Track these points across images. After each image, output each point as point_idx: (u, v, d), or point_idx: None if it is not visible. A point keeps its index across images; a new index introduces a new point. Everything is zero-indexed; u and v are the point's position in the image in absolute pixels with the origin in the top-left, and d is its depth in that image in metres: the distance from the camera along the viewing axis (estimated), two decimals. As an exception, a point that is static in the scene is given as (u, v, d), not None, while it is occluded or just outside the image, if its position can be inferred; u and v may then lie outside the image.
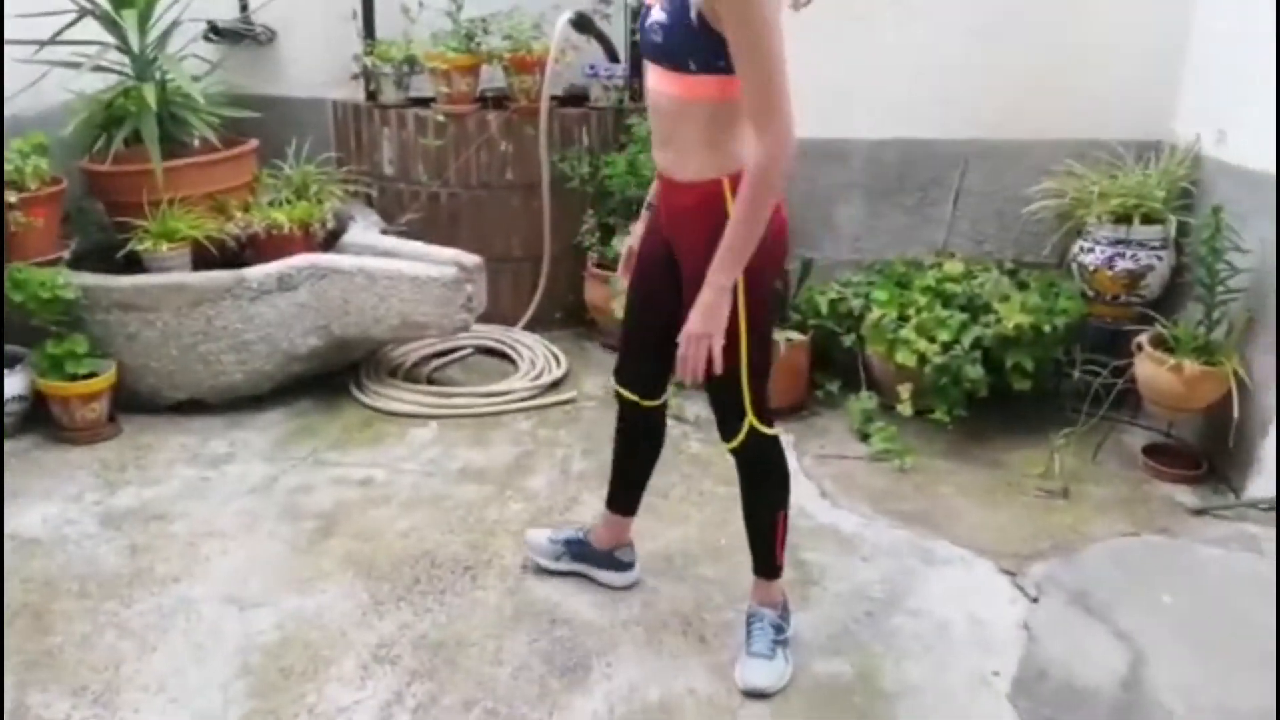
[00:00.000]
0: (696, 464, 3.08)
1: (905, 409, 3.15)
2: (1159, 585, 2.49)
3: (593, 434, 3.25)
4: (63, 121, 3.37)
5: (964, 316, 3.15)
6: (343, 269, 3.29)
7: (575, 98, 4.04)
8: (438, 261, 3.35)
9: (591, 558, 2.49)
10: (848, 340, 3.37)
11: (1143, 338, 3.00)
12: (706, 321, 1.86)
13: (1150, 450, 3.07)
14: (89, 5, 3.27)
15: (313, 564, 2.53)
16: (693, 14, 1.75)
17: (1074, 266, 3.29)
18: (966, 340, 3.10)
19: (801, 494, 2.90)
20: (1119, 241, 3.15)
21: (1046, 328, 3.09)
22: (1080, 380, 3.22)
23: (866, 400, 3.28)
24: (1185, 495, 2.91)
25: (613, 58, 4.03)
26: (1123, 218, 3.12)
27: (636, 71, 4.00)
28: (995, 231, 3.52)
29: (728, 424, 2.11)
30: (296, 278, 3.27)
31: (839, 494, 2.93)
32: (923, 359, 3.09)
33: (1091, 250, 3.21)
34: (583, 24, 3.73)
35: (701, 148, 1.87)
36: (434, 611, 2.35)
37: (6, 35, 3.14)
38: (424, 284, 3.26)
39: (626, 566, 2.48)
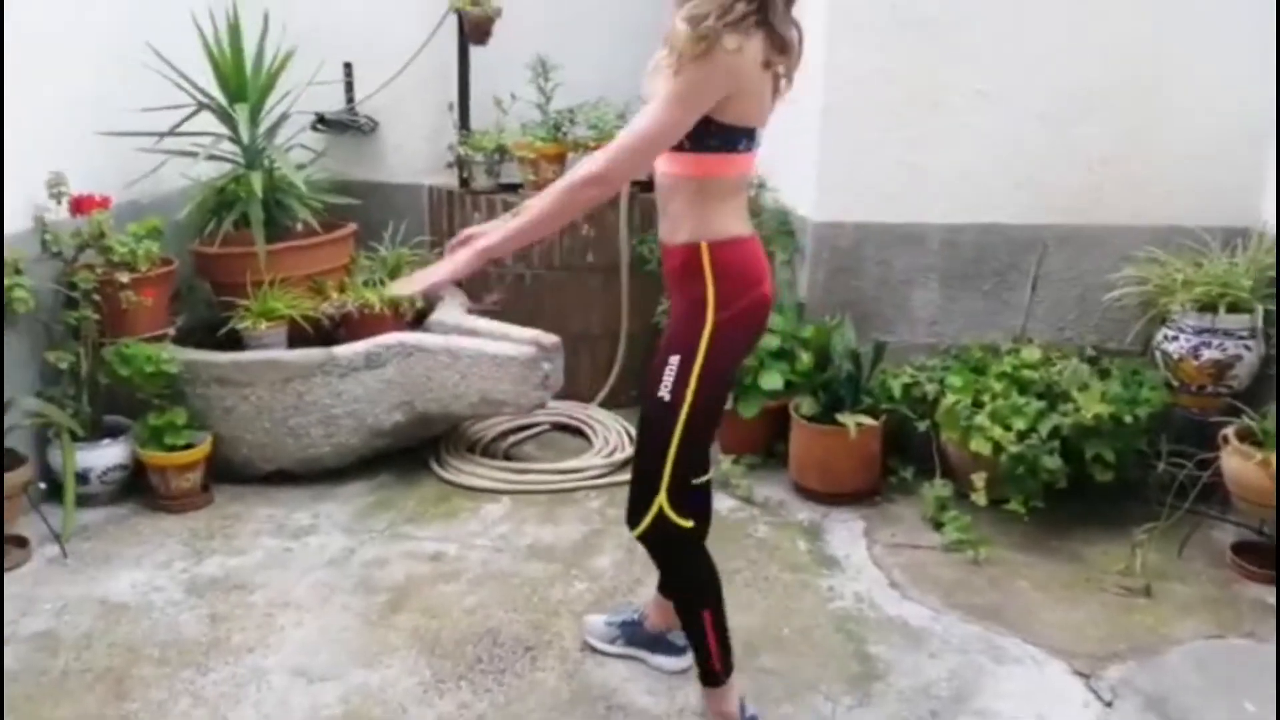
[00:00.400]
0: (763, 548, 3.07)
1: (980, 498, 3.09)
2: (1243, 692, 2.36)
3: (662, 515, 3.27)
4: (179, 205, 3.63)
5: (1041, 404, 3.09)
6: (428, 347, 3.42)
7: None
8: (517, 341, 3.45)
9: (645, 641, 2.50)
10: (921, 426, 3.33)
11: (1229, 430, 2.89)
12: (448, 266, 1.95)
13: (1240, 548, 2.94)
14: (206, 100, 3.53)
15: (380, 638, 2.60)
16: None
17: (1158, 355, 3.20)
18: (1044, 429, 3.03)
19: (870, 584, 2.87)
20: (1204, 330, 3.06)
21: (1127, 418, 3.01)
22: (1165, 472, 3.11)
23: (940, 488, 3.23)
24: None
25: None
26: (1208, 306, 3.04)
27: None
28: (1076, 317, 3.45)
29: (638, 503, 2.06)
30: (384, 355, 3.41)
31: (909, 585, 2.88)
32: (998, 447, 3.03)
33: (1176, 339, 3.12)
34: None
35: (689, 217, 1.98)
36: (493, 692, 2.39)
37: (132, 127, 3.40)
38: (503, 362, 3.36)
39: (680, 651, 2.47)
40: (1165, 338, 3.17)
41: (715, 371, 1.99)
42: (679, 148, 1.91)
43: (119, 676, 2.44)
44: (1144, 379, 3.18)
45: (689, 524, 2.06)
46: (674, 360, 1.98)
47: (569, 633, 2.62)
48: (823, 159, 3.35)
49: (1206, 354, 3.06)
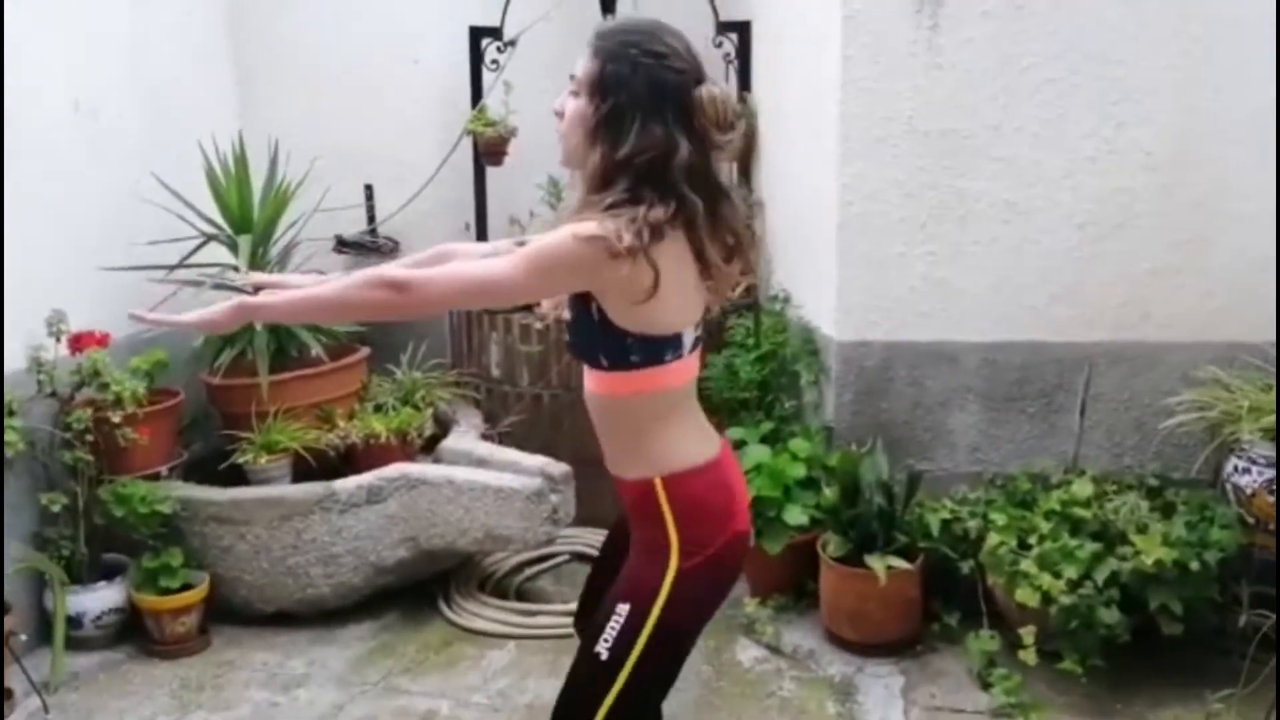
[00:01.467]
0: (787, 711, 2.78)
1: (1029, 657, 2.75)
2: None
3: (676, 665, 3.00)
4: (195, 335, 3.59)
5: (1096, 547, 2.76)
6: (430, 479, 3.25)
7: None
8: (525, 471, 3.27)
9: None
10: (965, 567, 3.02)
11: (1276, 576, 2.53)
12: (202, 312, 1.64)
13: (1338, 721, 2.54)
14: (214, 231, 3.51)
15: (351, 819, 2.38)
16: (594, 310, 1.61)
17: (1228, 488, 2.85)
18: (1100, 576, 2.70)
19: (904, 754, 2.55)
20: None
21: (1194, 564, 2.66)
22: (1248, 624, 2.74)
23: (988, 640, 2.89)
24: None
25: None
26: (1281, 435, 2.71)
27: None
28: (1135, 444, 3.13)
29: None
30: (386, 489, 3.26)
31: (947, 758, 2.55)
32: (1047, 597, 2.71)
33: (1248, 471, 2.78)
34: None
35: (629, 444, 1.70)
36: None
37: (141, 260, 3.37)
38: (508, 496, 3.17)
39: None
40: (1236, 469, 2.83)
41: (672, 631, 1.64)
42: (596, 365, 1.67)
43: None
44: (1215, 515, 2.83)
45: None
46: (622, 610, 1.63)
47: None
48: (842, 275, 3.14)
49: (1284, 489, 2.72)
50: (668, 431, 1.68)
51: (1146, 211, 3.01)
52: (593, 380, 1.70)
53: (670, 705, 2.79)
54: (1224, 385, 2.87)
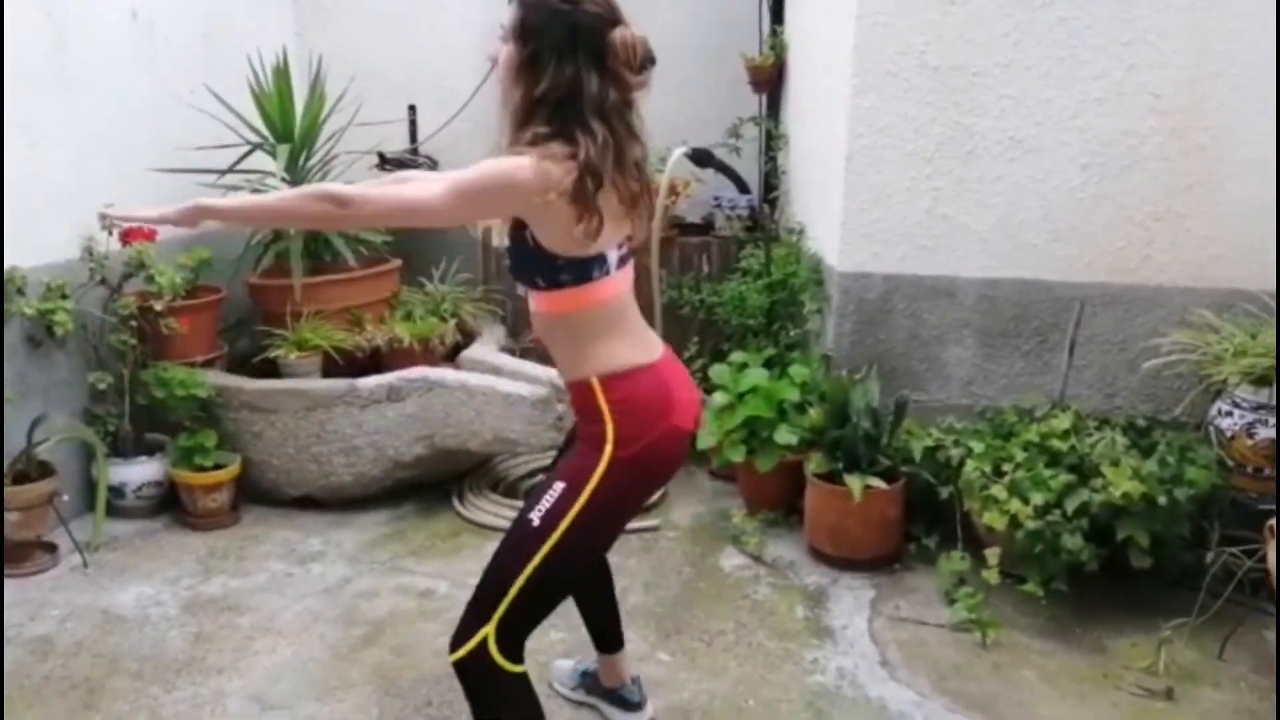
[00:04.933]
0: (757, 611, 2.93)
1: (991, 576, 2.85)
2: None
3: (662, 566, 3.18)
4: (246, 237, 3.84)
5: (1070, 478, 2.84)
6: (446, 383, 3.45)
7: (702, 226, 4.09)
8: (534, 380, 3.45)
9: (601, 693, 2.45)
10: (945, 492, 3.12)
11: (1275, 521, 2.58)
12: (164, 209, 1.81)
13: (1287, 654, 2.61)
14: (259, 140, 3.72)
15: (343, 673, 2.61)
16: (527, 237, 1.75)
17: (1211, 430, 2.90)
18: (1070, 506, 2.79)
19: (859, 660, 2.70)
20: (1261, 406, 2.76)
21: (1161, 499, 2.73)
22: (1219, 562, 2.79)
23: (958, 561, 3.01)
24: (1326, 715, 2.43)
25: (742, 188, 4.07)
26: (1263, 379, 2.74)
27: (766, 200, 4.04)
28: (1129, 385, 3.18)
29: (464, 626, 1.82)
30: (405, 389, 3.47)
31: (901, 664, 2.68)
32: (1015, 521, 2.81)
33: (1230, 414, 2.83)
34: (701, 158, 3.79)
35: (571, 353, 1.86)
36: (431, 737, 2.36)
37: (199, 164, 3.60)
38: (515, 402, 3.36)
39: (634, 707, 2.39)
40: (1219, 412, 2.87)
41: (599, 512, 1.79)
42: (535, 286, 1.82)
43: (93, 687, 2.53)
44: (1196, 457, 2.88)
45: (516, 669, 1.82)
46: (558, 487, 1.80)
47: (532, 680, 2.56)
48: (847, 207, 3.22)
49: (1262, 433, 2.76)
50: (603, 341, 1.83)
51: (1153, 155, 3.02)
52: (534, 300, 1.86)
53: (647, 600, 3.00)
54: (1214, 329, 2.89)
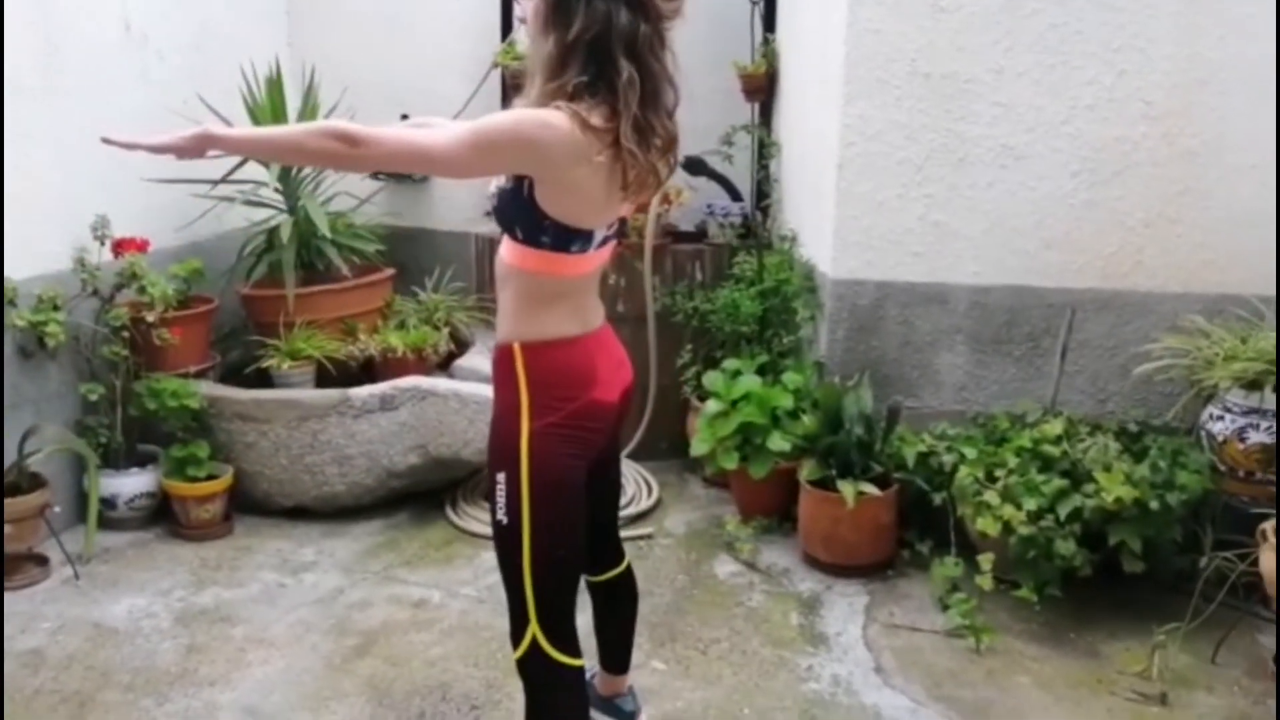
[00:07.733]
0: (751, 619, 2.93)
1: (985, 582, 2.86)
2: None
3: (656, 574, 3.17)
4: (239, 247, 3.84)
5: (1062, 483, 2.85)
6: (439, 392, 3.45)
7: (695, 234, 4.10)
8: (528, 390, 3.44)
9: (595, 701, 2.42)
10: (938, 498, 3.12)
11: (1269, 525, 2.58)
12: (169, 135, 1.70)
13: (1281, 659, 2.61)
14: (252, 150, 3.71)
15: (335, 684, 2.60)
16: (525, 187, 1.73)
17: (1203, 434, 2.91)
18: (1063, 511, 2.79)
19: (854, 667, 2.70)
20: (1252, 411, 2.77)
21: (1154, 504, 2.73)
22: (1212, 567, 2.80)
23: (951, 566, 3.01)
24: (1320, 720, 2.44)
25: (734, 196, 4.07)
26: (1254, 384, 2.74)
27: (758, 208, 4.04)
28: (1121, 390, 3.19)
29: (513, 627, 1.88)
30: (398, 398, 3.46)
31: (895, 671, 2.68)
32: (1008, 528, 2.81)
33: (1221, 418, 2.84)
34: (693, 166, 3.80)
35: (513, 311, 1.84)
36: (424, 748, 2.35)
37: (191, 175, 3.59)
38: (509, 412, 3.35)
39: (629, 716, 2.38)
40: (1211, 416, 2.88)
41: (548, 484, 1.79)
42: (512, 235, 1.80)
43: (84, 700, 2.52)
44: (1188, 461, 2.89)
45: (574, 662, 1.88)
46: (500, 478, 1.81)
47: (521, 694, 2.55)
48: (839, 215, 3.22)
49: (1254, 437, 2.77)
50: (543, 310, 1.82)
51: (1144, 161, 3.04)
52: (504, 247, 1.84)
53: (641, 608, 2.97)
54: (1205, 334, 2.90)
